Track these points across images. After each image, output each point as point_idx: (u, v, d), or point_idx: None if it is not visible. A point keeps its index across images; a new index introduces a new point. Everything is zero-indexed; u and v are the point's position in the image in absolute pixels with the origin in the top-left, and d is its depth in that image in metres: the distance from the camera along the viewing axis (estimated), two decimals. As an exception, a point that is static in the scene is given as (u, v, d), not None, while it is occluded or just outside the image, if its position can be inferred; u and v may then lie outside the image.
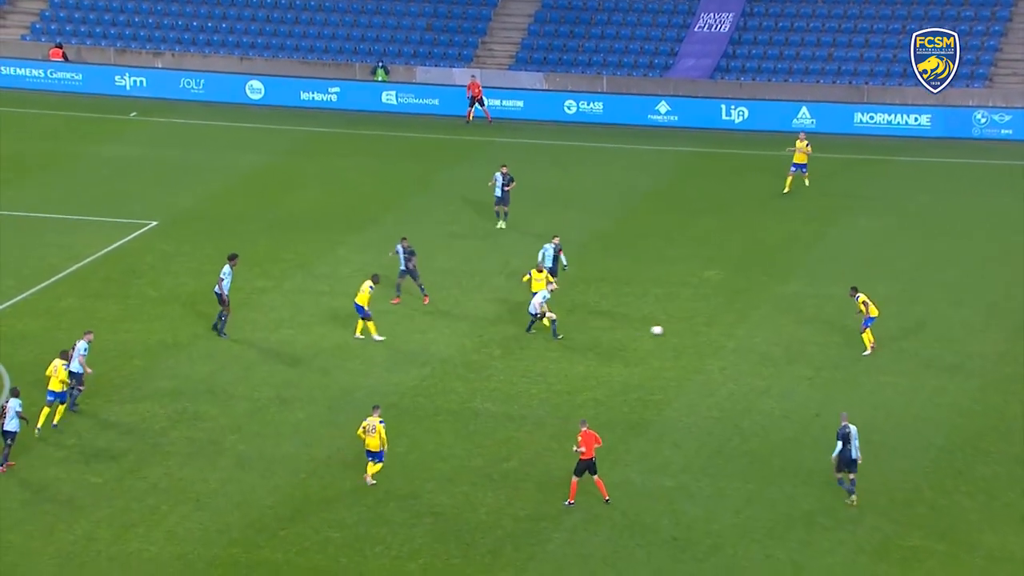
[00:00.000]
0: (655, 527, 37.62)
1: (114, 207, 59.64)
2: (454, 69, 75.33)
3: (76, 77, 75.67)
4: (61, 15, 79.43)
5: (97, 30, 78.64)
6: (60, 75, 75.67)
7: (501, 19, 78.15)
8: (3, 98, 73.03)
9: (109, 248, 55.33)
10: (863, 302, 46.42)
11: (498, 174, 57.55)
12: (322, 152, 67.92)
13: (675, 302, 50.91)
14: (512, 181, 57.24)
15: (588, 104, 72.50)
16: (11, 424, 39.64)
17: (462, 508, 38.50)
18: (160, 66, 76.52)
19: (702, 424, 42.64)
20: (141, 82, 75.00)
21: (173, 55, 77.04)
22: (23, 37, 78.29)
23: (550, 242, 50.74)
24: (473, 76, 72.30)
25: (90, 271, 53.39)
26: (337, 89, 74.24)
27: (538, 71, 74.62)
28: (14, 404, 39.76)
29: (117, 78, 75.24)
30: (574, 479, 38.13)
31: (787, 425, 42.72)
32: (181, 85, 74.90)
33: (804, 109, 70.72)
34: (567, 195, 60.42)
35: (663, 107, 71.89)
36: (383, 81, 74.63)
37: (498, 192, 57.31)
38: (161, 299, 50.84)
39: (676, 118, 71.63)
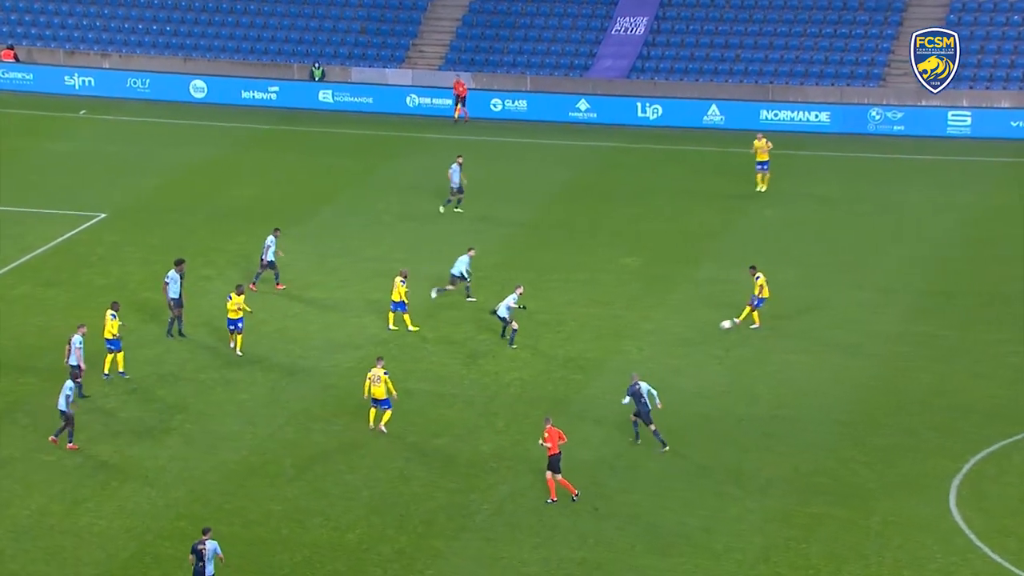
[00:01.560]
0: (578, 498, 37.71)
1: (64, 200, 59.14)
2: (387, 69, 75.15)
3: (27, 77, 74.89)
4: (12, 18, 78.54)
5: (47, 32, 77.85)
6: (11, 75, 74.88)
7: (431, 22, 78.00)
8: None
9: (59, 239, 54.85)
10: (760, 284, 46.76)
11: (455, 165, 57.62)
12: (262, 148, 67.59)
13: (596, 287, 51.04)
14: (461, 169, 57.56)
15: (513, 102, 72.51)
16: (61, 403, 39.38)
17: (396, 482, 38.46)
18: (107, 66, 75.83)
19: (620, 402, 42.78)
20: (89, 82, 74.30)
21: (120, 56, 76.37)
22: (-24, 39, 77.45)
23: (465, 254, 49.63)
24: (457, 75, 72.15)
25: (41, 261, 52.90)
26: (276, 88, 73.86)
27: (466, 71, 74.54)
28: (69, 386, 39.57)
29: (67, 78, 74.52)
30: (549, 476, 37.33)
31: (699, 402, 42.96)
32: (128, 84, 74.27)
33: (714, 106, 71.06)
34: (494, 188, 60.45)
35: (583, 105, 72.00)
36: (319, 80, 74.34)
37: (455, 183, 57.35)
38: (110, 287, 50.43)
39: (595, 115, 71.76)
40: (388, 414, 40.78)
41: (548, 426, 37.53)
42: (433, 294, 48.66)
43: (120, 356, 43.43)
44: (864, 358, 45.72)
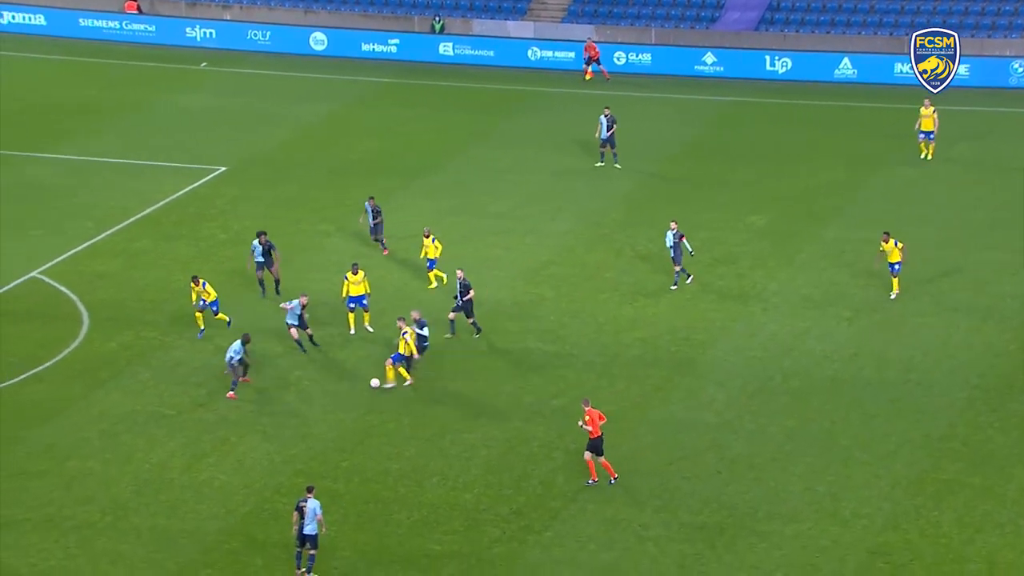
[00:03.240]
0: (700, 461, 37.63)
1: (184, 153, 59.85)
2: (508, 22, 74.97)
3: (149, 29, 75.77)
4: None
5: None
6: (134, 27, 75.79)
7: (554, -26, 77.72)
8: (82, 49, 73.21)
9: (179, 193, 55.57)
10: (892, 248, 46.00)
11: (602, 117, 57.52)
12: (382, 102, 67.85)
13: (720, 245, 50.70)
14: (615, 122, 57.18)
15: (637, 55, 72.08)
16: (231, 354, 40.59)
17: (514, 442, 38.61)
18: (228, 18, 76.47)
19: (745, 364, 42.56)
20: (211, 34, 75.05)
21: (241, 8, 76.96)
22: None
23: (669, 229, 48.42)
24: (589, 37, 71.96)
25: (163, 214, 53.65)
26: (397, 41, 74.06)
27: (589, 23, 74.18)
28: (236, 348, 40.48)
29: (188, 30, 75.31)
30: (588, 457, 36.85)
31: (827, 365, 42.58)
32: (248, 37, 74.89)
33: (846, 60, 70.06)
34: (619, 143, 60.14)
35: (709, 58, 71.36)
36: (440, 33, 74.42)
37: (604, 134, 57.24)
38: (230, 241, 51.04)
39: (722, 69, 71.09)
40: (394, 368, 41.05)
41: (588, 408, 36.83)
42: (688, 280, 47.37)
43: (200, 316, 43.49)
44: (999, 321, 45.00)
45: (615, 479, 36.66)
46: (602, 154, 57.89)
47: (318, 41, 74.48)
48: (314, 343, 42.86)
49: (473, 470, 37.30)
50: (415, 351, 41.28)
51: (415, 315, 42.13)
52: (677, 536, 34.71)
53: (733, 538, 34.65)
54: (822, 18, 73.40)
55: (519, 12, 76.00)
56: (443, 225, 52.22)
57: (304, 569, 33.07)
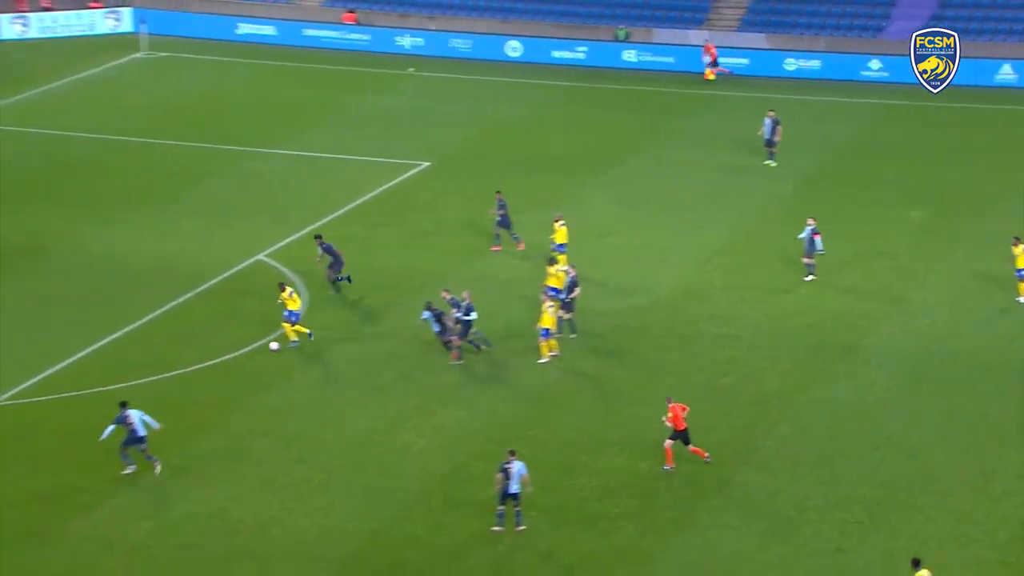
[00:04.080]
0: (860, 438, 37.00)
1: (393, 150, 60.49)
2: (688, 30, 74.40)
3: (364, 38, 76.73)
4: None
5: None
6: (352, 36, 76.80)
7: (730, -14, 76.95)
8: (305, 56, 74.39)
9: (388, 185, 56.19)
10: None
11: (767, 119, 56.92)
12: (570, 104, 67.80)
13: (881, 239, 49.72)
14: (779, 123, 56.55)
15: (806, 61, 70.99)
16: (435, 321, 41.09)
17: (688, 418, 38.32)
18: (434, 28, 77.08)
19: (904, 349, 41.70)
20: (419, 42, 75.72)
21: (446, 18, 77.53)
22: (323, 3, 79.60)
23: (808, 225, 47.48)
24: (707, 39, 71.28)
25: (373, 204, 54.29)
26: (584, 48, 73.94)
27: (760, 32, 73.26)
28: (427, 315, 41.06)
29: (398, 38, 76.08)
30: (667, 446, 35.96)
31: (982, 352, 41.51)
32: (451, 44, 75.41)
33: (1007, 66, 68.13)
34: (784, 143, 59.29)
35: (875, 64, 69.98)
36: (624, 41, 74.11)
37: (768, 135, 56.64)
38: (432, 229, 51.45)
39: (887, 74, 69.66)
40: (549, 343, 40.84)
41: (671, 404, 36.08)
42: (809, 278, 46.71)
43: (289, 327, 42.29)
44: None
45: (708, 458, 35.90)
46: (769, 153, 57.22)
47: (513, 48, 74.71)
48: (477, 346, 41.72)
49: (647, 441, 37.12)
50: (553, 321, 40.89)
51: (465, 295, 41.60)
52: (837, 506, 34.18)
53: (890, 510, 34.00)
54: (984, 26, 71.49)
55: (697, 21, 75.34)
56: (621, 217, 52.06)
57: (516, 523, 33.35)
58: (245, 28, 76.59)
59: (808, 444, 36.82)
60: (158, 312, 44.22)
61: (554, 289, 43.04)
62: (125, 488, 35.12)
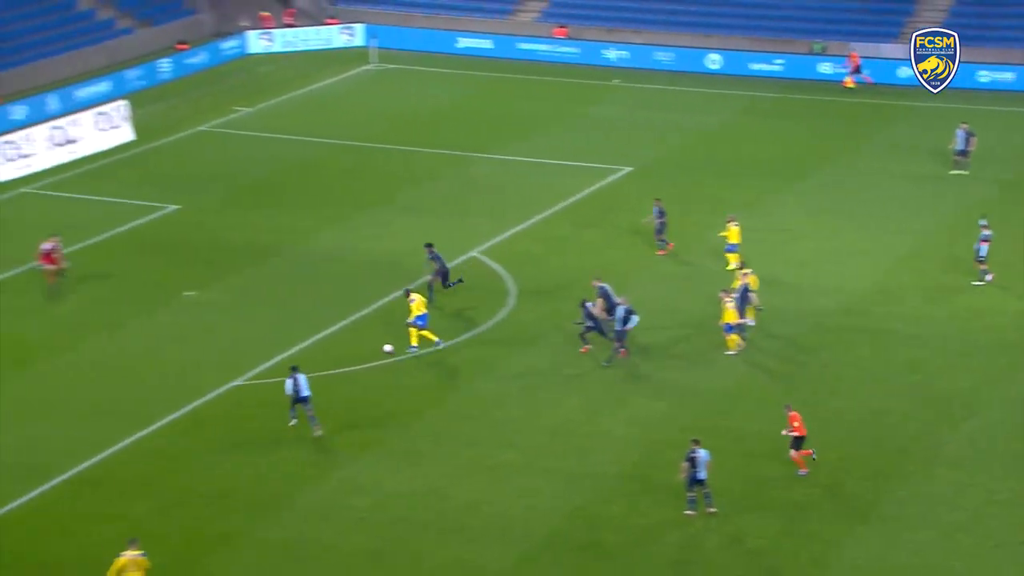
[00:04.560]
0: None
1: (598, 155, 60.61)
2: (882, 44, 72.84)
3: (574, 51, 77.02)
4: (566, 1, 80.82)
5: (592, 12, 79.71)
6: (562, 49, 77.14)
7: (925, 1, 75.07)
8: (521, 68, 74.80)
9: (592, 188, 56.32)
10: None
11: (959, 130, 55.53)
12: (767, 114, 67.00)
13: (1069, 245, 48.01)
14: (973, 135, 55.11)
15: (1000, 74, 68.84)
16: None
17: (877, 413, 37.62)
18: (639, 41, 76.96)
19: (1089, 351, 40.24)
20: (624, 55, 75.65)
21: (650, 32, 77.36)
22: (536, 19, 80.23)
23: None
24: (853, 50, 69.71)
25: (579, 206, 54.48)
26: (781, 61, 72.95)
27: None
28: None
29: (605, 51, 76.17)
30: (794, 455, 34.90)
31: None
32: (654, 57, 75.18)
33: None
34: (978, 152, 57.57)
35: (1071, 75, 67.58)
36: (820, 54, 72.91)
37: (960, 146, 55.24)
38: (632, 230, 51.37)
39: (1081, 85, 67.26)
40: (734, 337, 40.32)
41: (791, 413, 35.00)
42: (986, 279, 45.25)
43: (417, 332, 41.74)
44: None
45: (803, 473, 34.72)
46: (957, 163, 55.64)
47: (713, 61, 74.15)
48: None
49: (836, 433, 36.54)
50: (735, 316, 40.44)
51: (621, 300, 41.04)
52: None
53: (1073, 507, 32.88)
54: None
55: (892, 36, 73.74)
56: (814, 222, 51.25)
57: (706, 506, 33.35)
58: (464, 42, 77.56)
59: (997, 440, 35.80)
60: (378, 304, 45.13)
61: (746, 290, 42.52)
62: (349, 463, 35.98)
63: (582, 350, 41.47)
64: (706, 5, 78.32)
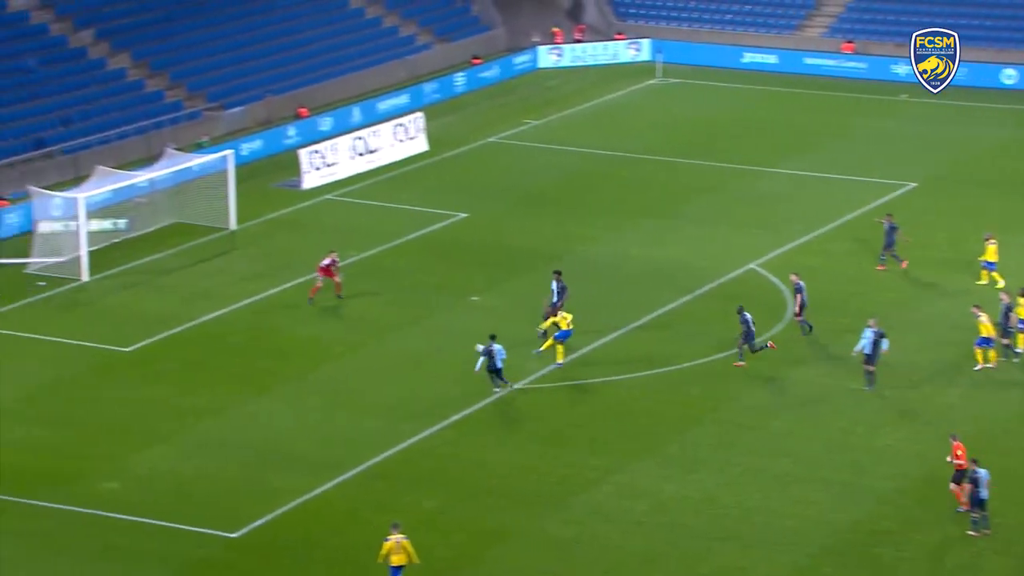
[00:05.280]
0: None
1: (882, 170, 59.43)
2: None
3: (861, 66, 75.72)
4: (853, 16, 79.54)
5: (882, 28, 78.18)
6: (849, 64, 75.91)
7: None
8: (805, 82, 73.78)
9: (876, 203, 55.09)
10: None
11: None
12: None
13: None
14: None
15: None
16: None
17: None
18: (928, 56, 74.98)
19: None
20: (912, 70, 73.81)
21: (940, 47, 75.26)
22: (823, 34, 79.23)
23: None
24: None
25: (860, 221, 53.37)
26: (1082, 75, 70.03)
27: None
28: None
29: (893, 66, 74.59)
30: (954, 488, 33.45)
31: None
32: (945, 72, 73.20)
33: None
34: None
35: None
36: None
37: None
38: (915, 244, 49.83)
39: None
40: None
41: (955, 443, 33.32)
42: None
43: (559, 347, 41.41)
44: None
45: (966, 509, 33.13)
46: None
47: (1008, 76, 71.71)
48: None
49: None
50: (992, 330, 38.97)
51: (871, 322, 39.74)
52: None
53: None
54: None
55: None
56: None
57: (983, 528, 32.52)
58: (749, 57, 77.20)
59: None
60: (657, 312, 45.45)
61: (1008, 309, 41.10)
62: (626, 467, 36.43)
63: (737, 364, 40.81)
64: (1002, 19, 75.78)
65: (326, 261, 46.14)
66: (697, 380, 41.07)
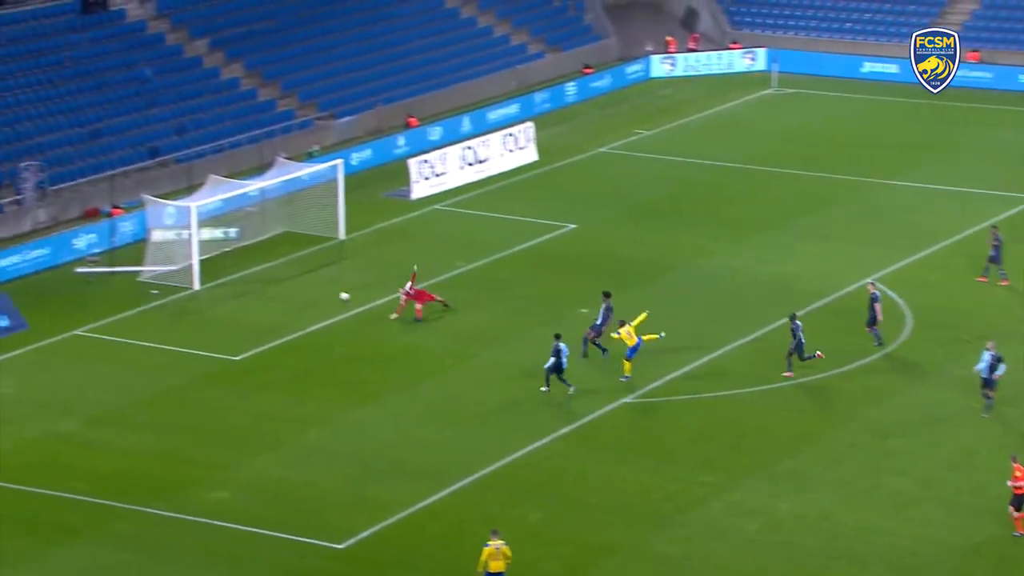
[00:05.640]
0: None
1: (1003, 183, 57.97)
2: None
3: (986, 76, 73.92)
4: (980, 24, 77.70)
5: (1010, 36, 76.31)
6: (974, 74, 73.88)
7: None
8: (927, 93, 71.99)
9: (999, 217, 53.71)
10: None
11: None
12: None
13: None
14: None
15: None
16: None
17: None
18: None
19: None
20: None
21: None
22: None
23: None
24: None
25: (979, 235, 52.00)
26: None
27: None
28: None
29: (1021, 76, 72.75)
30: (1014, 512, 32.32)
31: None
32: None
33: None
34: None
35: None
36: None
37: None
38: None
39: None
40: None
41: (1016, 464, 31.88)
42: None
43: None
44: None
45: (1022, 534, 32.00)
46: None
47: None
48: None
49: None
50: None
51: (990, 345, 38.56)
52: None
53: None
54: None
55: None
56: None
57: None
58: (869, 67, 75.79)
59: None
60: (770, 327, 44.62)
61: None
62: (737, 485, 35.70)
63: (786, 374, 39.72)
64: None
65: (408, 287, 45.17)
66: (809, 397, 40.20)
